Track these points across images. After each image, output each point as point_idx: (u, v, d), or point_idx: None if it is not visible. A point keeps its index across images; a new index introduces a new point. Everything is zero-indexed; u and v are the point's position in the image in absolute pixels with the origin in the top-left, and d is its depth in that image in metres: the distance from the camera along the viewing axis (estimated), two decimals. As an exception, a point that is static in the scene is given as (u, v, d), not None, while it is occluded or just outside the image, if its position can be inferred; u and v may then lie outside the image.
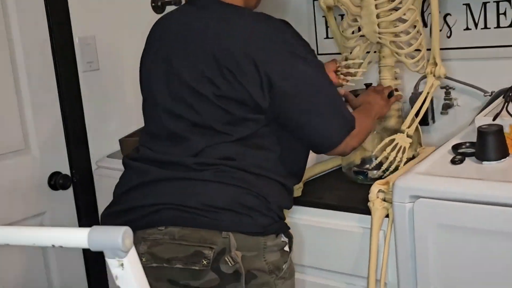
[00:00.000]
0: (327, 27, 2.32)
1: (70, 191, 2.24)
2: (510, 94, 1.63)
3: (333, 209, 1.69)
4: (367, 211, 1.59)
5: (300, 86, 1.44)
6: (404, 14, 1.78)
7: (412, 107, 1.90)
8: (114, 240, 0.76)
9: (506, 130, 1.51)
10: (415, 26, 1.79)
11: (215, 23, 1.46)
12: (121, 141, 2.20)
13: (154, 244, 1.41)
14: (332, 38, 2.26)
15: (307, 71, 1.45)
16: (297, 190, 1.73)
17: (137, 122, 2.24)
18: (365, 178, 1.78)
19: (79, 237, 0.78)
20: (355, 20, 1.85)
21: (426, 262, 1.48)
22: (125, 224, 1.42)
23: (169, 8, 2.38)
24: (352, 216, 1.66)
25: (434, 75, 1.82)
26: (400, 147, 1.73)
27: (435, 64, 1.83)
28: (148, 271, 1.38)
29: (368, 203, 1.58)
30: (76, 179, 2.24)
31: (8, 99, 2.06)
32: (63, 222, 2.23)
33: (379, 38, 1.81)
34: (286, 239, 1.50)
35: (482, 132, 1.50)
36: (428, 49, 1.85)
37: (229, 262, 1.36)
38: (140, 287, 0.79)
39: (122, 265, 0.78)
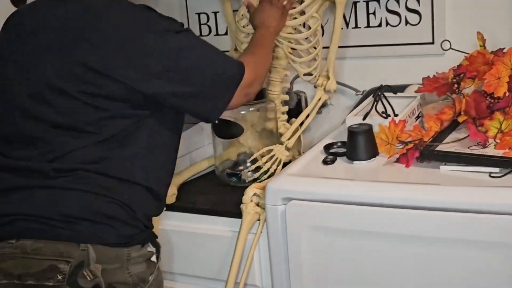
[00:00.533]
0: (199, 24, 2.29)
1: None
2: (379, 93, 1.65)
3: (205, 213, 1.67)
4: (239, 215, 1.58)
5: (169, 65, 1.36)
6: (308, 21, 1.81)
7: (287, 106, 1.92)
8: None
9: (376, 129, 1.53)
10: (316, 35, 1.83)
11: (67, 14, 1.37)
12: None
13: (3, 259, 1.31)
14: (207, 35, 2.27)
15: (171, 45, 1.37)
16: (171, 197, 1.70)
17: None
18: (238, 180, 1.76)
19: None
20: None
21: (299, 264, 1.48)
22: None
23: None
24: (223, 220, 1.65)
25: (324, 89, 1.84)
26: (276, 158, 1.75)
27: (328, 77, 1.85)
28: None
29: (241, 205, 1.57)
30: None
31: None
32: None
33: (277, 41, 1.80)
34: (153, 249, 1.45)
35: (352, 132, 1.52)
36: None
37: (87, 276, 1.29)
38: None
39: None
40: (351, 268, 1.43)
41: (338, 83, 2.00)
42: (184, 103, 1.41)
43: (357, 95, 1.98)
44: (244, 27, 1.86)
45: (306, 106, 2.08)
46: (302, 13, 1.81)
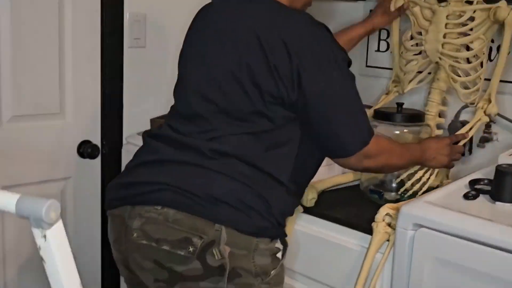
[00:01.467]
0: (379, 40, 2.31)
1: (97, 161, 2.28)
2: None
3: (338, 223, 1.69)
4: (371, 231, 1.58)
5: (328, 91, 1.45)
6: (472, 42, 1.78)
7: (449, 135, 1.88)
8: (38, 210, 0.78)
9: None
10: (479, 57, 1.78)
11: (258, 14, 1.48)
12: (152, 121, 2.24)
13: (147, 222, 1.43)
14: (384, 51, 2.29)
15: (338, 79, 1.47)
16: (310, 201, 1.74)
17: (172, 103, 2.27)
18: (380, 198, 1.76)
19: (8, 203, 0.81)
20: (420, 34, 1.86)
21: None
22: (125, 198, 1.48)
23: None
24: (355, 233, 1.65)
25: (484, 112, 1.80)
26: (423, 181, 1.73)
27: (489, 101, 1.81)
28: (138, 247, 1.41)
29: (372, 223, 1.57)
30: (105, 151, 2.29)
31: (50, 63, 2.12)
32: (86, 190, 2.30)
33: (440, 58, 1.81)
34: (281, 246, 1.50)
35: (500, 171, 1.47)
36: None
37: (216, 255, 1.37)
38: (62, 260, 0.81)
39: (45, 236, 0.80)
40: None
41: (507, 118, 1.93)
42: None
43: None
44: (411, 46, 1.88)
45: (471, 138, 2.03)
46: (470, 31, 1.79)
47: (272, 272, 1.47)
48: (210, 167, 1.43)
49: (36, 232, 0.81)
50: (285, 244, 1.53)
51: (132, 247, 1.45)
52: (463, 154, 2.02)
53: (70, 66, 2.16)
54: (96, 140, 2.27)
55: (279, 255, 1.51)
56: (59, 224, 0.81)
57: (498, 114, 1.91)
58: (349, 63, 1.53)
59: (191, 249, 1.37)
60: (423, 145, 1.69)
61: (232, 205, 1.41)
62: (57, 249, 0.80)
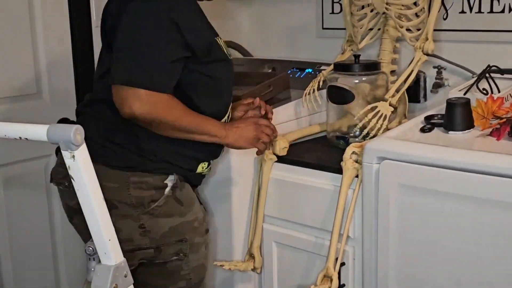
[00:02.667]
0: (333, 3, 2.41)
1: None
2: (485, 74, 1.72)
3: (310, 167, 1.80)
4: (340, 171, 1.68)
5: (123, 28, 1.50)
6: (416, 4, 1.87)
7: (395, 76, 1.98)
8: (67, 135, 0.93)
9: (474, 104, 1.60)
10: (422, 10, 1.88)
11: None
12: None
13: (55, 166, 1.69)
14: (338, 13, 2.39)
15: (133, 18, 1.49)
16: (282, 150, 1.85)
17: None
18: (345, 143, 1.84)
19: (40, 132, 0.96)
20: None
21: (387, 219, 1.57)
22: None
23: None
24: (326, 175, 1.76)
25: (422, 50, 1.88)
26: (382, 114, 1.79)
27: (426, 39, 1.87)
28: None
29: (341, 162, 1.67)
30: None
31: (23, 46, 2.18)
32: None
33: (386, 8, 1.90)
34: (171, 182, 1.59)
35: (450, 104, 1.59)
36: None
37: None
38: (88, 176, 0.97)
39: (73, 156, 0.95)
40: (434, 227, 1.50)
41: (457, 65, 2.06)
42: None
43: (473, 77, 2.03)
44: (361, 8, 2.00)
45: (425, 85, 2.17)
46: None
47: (152, 204, 1.56)
48: (85, 113, 1.64)
49: (66, 154, 0.95)
50: (175, 183, 1.60)
51: None
52: (418, 101, 2.18)
53: (43, 49, 2.23)
54: (73, 117, 2.30)
55: (167, 190, 1.58)
56: (84, 146, 0.96)
57: (442, 58, 2.05)
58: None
59: (67, 183, 1.57)
60: (227, 124, 1.67)
61: (100, 144, 1.54)
62: (84, 167, 0.96)
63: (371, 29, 2.04)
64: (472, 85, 1.68)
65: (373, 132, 1.79)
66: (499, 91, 1.69)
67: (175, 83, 1.51)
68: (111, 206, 1.40)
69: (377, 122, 1.79)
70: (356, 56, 1.93)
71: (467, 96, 1.66)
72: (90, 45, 2.34)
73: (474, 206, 1.43)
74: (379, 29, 2.02)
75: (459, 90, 1.73)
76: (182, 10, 1.51)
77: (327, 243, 1.74)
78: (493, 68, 1.77)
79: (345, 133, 1.92)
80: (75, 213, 1.59)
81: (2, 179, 2.21)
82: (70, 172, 0.99)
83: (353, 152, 1.67)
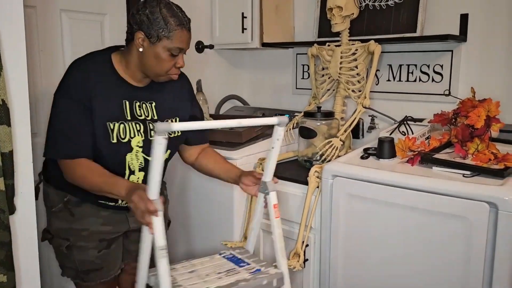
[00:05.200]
0: (303, 72, 2.41)
1: None
2: (404, 121, 1.72)
3: (288, 180, 1.77)
4: (307, 183, 1.67)
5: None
6: (357, 66, 1.88)
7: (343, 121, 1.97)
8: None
9: (396, 141, 1.60)
10: (362, 78, 1.89)
11: None
12: None
13: None
14: (306, 78, 2.38)
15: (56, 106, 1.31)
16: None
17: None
18: (310, 165, 1.82)
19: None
20: (327, 67, 1.94)
21: (338, 217, 1.56)
22: None
23: (208, 50, 2.46)
24: (297, 185, 1.73)
25: (362, 105, 1.89)
26: (334, 146, 1.80)
27: (365, 97, 1.89)
28: None
29: (307, 178, 1.66)
30: None
31: None
32: None
33: (339, 76, 1.90)
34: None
35: (380, 141, 1.59)
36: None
37: None
38: None
39: None
40: (368, 223, 1.49)
41: (384, 115, 2.04)
42: None
43: (395, 123, 2.03)
44: (322, 76, 1.99)
45: (363, 127, 2.16)
46: (355, 60, 1.89)
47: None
48: None
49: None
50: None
51: None
52: (358, 138, 2.16)
53: None
54: None
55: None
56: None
57: (375, 110, 2.04)
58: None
59: None
60: (132, 189, 1.19)
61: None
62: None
63: (328, 90, 2.03)
64: (395, 128, 1.68)
65: (329, 158, 1.78)
66: (413, 133, 1.68)
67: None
68: None
69: (331, 151, 1.79)
70: (318, 107, 1.92)
71: (392, 135, 1.65)
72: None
73: (397, 210, 1.42)
74: (333, 90, 2.02)
75: (386, 132, 1.72)
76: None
77: (296, 231, 1.71)
78: (408, 117, 1.77)
79: (310, 158, 1.90)
80: None
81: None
82: None
83: (316, 171, 1.66)
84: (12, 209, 1.16)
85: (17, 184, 1.16)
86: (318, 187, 1.65)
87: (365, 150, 1.68)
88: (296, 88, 2.46)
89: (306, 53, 2.15)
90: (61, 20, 1.96)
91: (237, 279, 1.26)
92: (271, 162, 1.36)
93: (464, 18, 1.87)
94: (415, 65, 2.01)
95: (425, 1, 1.92)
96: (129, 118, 1.35)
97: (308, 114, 1.92)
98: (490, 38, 1.83)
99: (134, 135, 1.36)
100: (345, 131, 1.85)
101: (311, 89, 2.15)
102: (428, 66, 1.97)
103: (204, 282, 1.25)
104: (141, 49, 1.30)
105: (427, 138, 1.70)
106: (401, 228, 1.42)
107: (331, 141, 1.81)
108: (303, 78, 2.43)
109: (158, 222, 1.13)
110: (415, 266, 1.40)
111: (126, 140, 1.35)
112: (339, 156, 1.77)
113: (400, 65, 2.05)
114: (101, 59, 1.35)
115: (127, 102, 1.35)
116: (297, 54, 2.41)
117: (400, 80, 2.06)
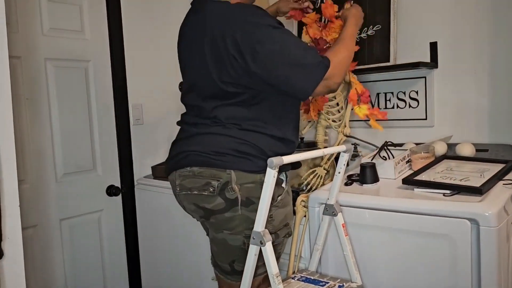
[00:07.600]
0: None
1: (119, 198, 2.29)
2: (384, 147, 1.75)
3: None
4: (294, 212, 1.65)
5: (267, 53, 1.24)
6: (335, 97, 1.92)
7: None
8: None
9: (378, 166, 1.62)
10: (341, 108, 1.92)
11: (210, 20, 1.32)
12: (152, 168, 2.28)
13: (183, 178, 1.38)
14: None
15: (270, 39, 1.24)
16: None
17: (164, 156, 2.33)
18: (297, 194, 1.79)
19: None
20: None
21: (326, 245, 1.56)
22: (170, 167, 1.45)
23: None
24: None
25: (343, 133, 1.91)
26: (319, 175, 1.81)
27: (345, 126, 1.89)
28: (183, 197, 1.41)
29: (295, 207, 1.65)
30: (124, 190, 2.30)
31: (84, 138, 2.17)
32: (113, 217, 2.29)
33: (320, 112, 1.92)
34: (284, 177, 1.43)
35: (362, 166, 1.61)
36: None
37: (230, 191, 1.31)
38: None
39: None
40: (357, 248, 1.48)
41: (366, 142, 2.07)
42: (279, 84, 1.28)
43: (376, 149, 2.05)
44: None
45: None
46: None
47: (278, 197, 1.38)
48: (214, 132, 1.35)
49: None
50: (286, 176, 1.43)
51: (180, 198, 1.42)
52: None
53: (97, 140, 2.20)
54: (117, 183, 2.29)
55: (283, 185, 1.41)
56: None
57: (357, 138, 2.06)
58: (281, 24, 1.29)
59: (211, 189, 1.32)
60: (350, 20, 1.47)
61: (234, 155, 1.32)
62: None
63: (309, 121, 2.06)
64: (376, 154, 1.70)
65: (314, 187, 1.79)
66: (393, 157, 1.71)
67: None
68: (250, 202, 1.30)
69: (316, 180, 1.80)
70: (301, 138, 1.95)
71: (373, 161, 1.68)
72: (129, 136, 2.32)
73: (384, 232, 1.43)
74: (315, 121, 2.05)
75: (368, 157, 1.75)
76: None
77: (286, 262, 1.69)
78: (388, 143, 1.80)
79: (297, 188, 1.91)
80: (212, 213, 1.37)
81: (69, 226, 2.15)
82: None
83: (302, 200, 1.66)
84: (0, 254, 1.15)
85: (4, 229, 1.16)
86: (305, 216, 1.65)
87: (349, 176, 1.69)
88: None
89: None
90: (46, 69, 2.01)
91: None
92: (336, 186, 1.46)
93: (433, 46, 1.95)
94: (392, 93, 2.06)
95: (395, 32, 2.00)
96: None
97: (292, 145, 1.94)
98: (459, 63, 1.90)
99: None
100: (328, 159, 1.88)
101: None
102: (404, 93, 2.03)
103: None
104: None
105: (408, 161, 1.73)
106: (389, 250, 1.42)
107: (315, 170, 1.82)
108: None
109: (269, 248, 1.20)
110: (404, 287, 1.40)
111: None
112: (323, 185, 1.77)
113: (378, 93, 2.10)
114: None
115: None
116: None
117: (378, 107, 2.11)
